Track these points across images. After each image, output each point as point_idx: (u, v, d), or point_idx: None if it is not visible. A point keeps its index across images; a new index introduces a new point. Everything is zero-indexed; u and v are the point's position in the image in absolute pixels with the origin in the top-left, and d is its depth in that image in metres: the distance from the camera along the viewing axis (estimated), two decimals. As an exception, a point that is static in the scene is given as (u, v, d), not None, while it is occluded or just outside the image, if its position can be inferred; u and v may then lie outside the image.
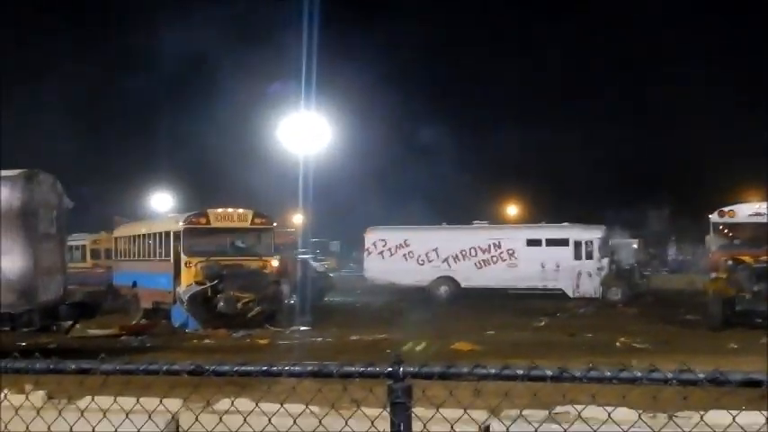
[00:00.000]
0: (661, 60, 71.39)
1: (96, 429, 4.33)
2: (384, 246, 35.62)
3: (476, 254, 34.27)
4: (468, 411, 4.23)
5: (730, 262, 20.93)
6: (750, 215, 22.57)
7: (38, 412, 4.60)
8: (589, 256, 32.89)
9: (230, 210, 24.49)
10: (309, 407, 4.41)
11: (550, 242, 33.76)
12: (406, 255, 35.04)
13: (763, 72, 54.95)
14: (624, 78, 73.86)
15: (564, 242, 33.55)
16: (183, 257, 23.16)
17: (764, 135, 49.87)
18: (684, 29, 68.41)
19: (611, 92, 71.90)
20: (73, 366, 3.82)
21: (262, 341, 19.47)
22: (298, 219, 47.41)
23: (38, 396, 4.85)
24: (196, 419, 4.34)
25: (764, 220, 22.13)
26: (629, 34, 70.25)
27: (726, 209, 22.72)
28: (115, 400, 4.44)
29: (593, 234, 33.69)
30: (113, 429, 4.31)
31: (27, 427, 4.52)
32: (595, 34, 72.95)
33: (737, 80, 61.09)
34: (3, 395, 4.90)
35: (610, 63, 72.15)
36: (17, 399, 4.82)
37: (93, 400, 4.61)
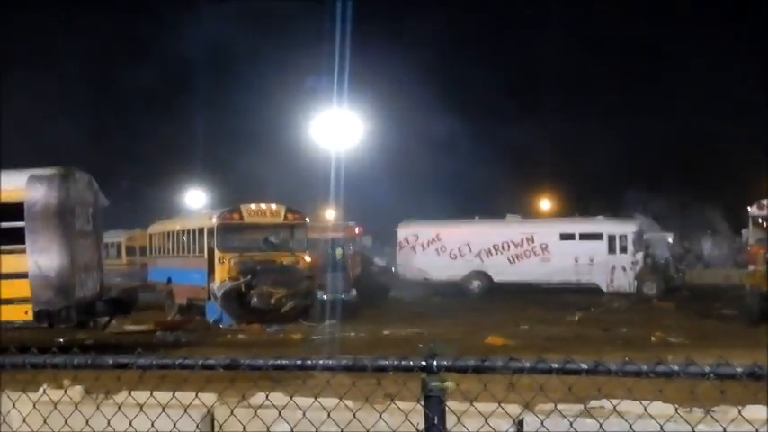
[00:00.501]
0: (696, 48, 70.80)
1: (133, 423, 4.38)
2: (416, 240, 35.61)
3: (508, 248, 34.18)
4: (502, 405, 4.23)
5: (768, 255, 20.77)
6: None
7: (76, 407, 4.65)
8: (623, 250, 32.70)
9: (263, 206, 24.48)
10: (343, 401, 4.43)
11: (584, 236, 33.57)
12: (438, 249, 35.01)
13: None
14: (659, 69, 73.20)
15: (598, 236, 33.36)
16: (217, 253, 23.26)
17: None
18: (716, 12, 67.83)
19: (647, 83, 71.31)
20: (110, 361, 3.85)
21: (295, 336, 19.55)
22: (330, 214, 47.53)
23: (76, 391, 4.90)
24: (231, 413, 4.36)
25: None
26: (661, 21, 69.76)
27: (765, 201, 22.57)
28: (151, 394, 4.47)
29: (627, 228, 33.49)
30: (150, 423, 4.35)
31: (66, 422, 4.57)
32: (626, 22, 72.47)
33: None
34: (42, 390, 4.97)
35: (643, 52, 71.44)
36: (56, 394, 4.88)
37: (129, 394, 4.65)
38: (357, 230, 34.78)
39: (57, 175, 15.91)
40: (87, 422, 4.46)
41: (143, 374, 4.20)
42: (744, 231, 23.17)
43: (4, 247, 15.51)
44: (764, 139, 52.79)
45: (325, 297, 28.35)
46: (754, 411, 4.28)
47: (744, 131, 56.42)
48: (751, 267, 21.34)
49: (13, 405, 4.79)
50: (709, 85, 63.61)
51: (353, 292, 29.24)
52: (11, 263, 15.46)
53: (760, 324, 19.55)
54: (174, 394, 4.44)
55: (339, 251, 31.67)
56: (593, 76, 71.25)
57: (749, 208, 22.49)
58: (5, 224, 15.52)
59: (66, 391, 4.89)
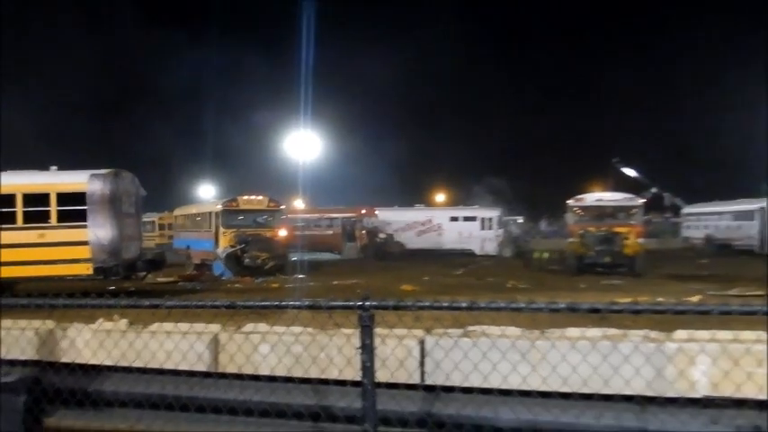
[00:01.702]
0: (555, 57, 70.94)
1: (163, 346, 4.30)
2: None
3: (416, 226, 34.40)
4: (410, 330, 4.26)
5: (581, 231, 21.21)
6: (594, 200, 22.89)
7: (123, 334, 4.55)
8: (490, 228, 33.26)
9: (253, 197, 24.44)
10: (307, 328, 4.40)
11: (466, 218, 34.11)
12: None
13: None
14: (525, 80, 72.67)
15: (474, 219, 33.87)
16: (221, 229, 23.19)
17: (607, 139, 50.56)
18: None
19: (515, 95, 71.51)
20: (147, 303, 3.78)
21: (274, 285, 19.37)
22: (298, 203, 47.09)
23: (122, 323, 4.79)
24: (230, 338, 4.32)
25: (602, 204, 22.50)
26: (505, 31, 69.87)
27: (578, 196, 23.02)
28: (176, 325, 4.40)
29: (493, 213, 34.07)
30: (174, 345, 4.28)
31: (115, 344, 4.47)
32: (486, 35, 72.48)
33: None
34: (99, 323, 4.84)
35: (519, 56, 71.35)
36: (108, 325, 4.76)
37: (160, 325, 4.57)
38: (363, 212, 33.87)
39: (109, 174, 16.05)
40: (131, 345, 4.37)
41: (170, 312, 4.13)
42: (566, 216, 23.60)
43: (72, 223, 15.58)
44: (591, 146, 53.98)
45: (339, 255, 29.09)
46: (573, 332, 4.39)
47: (576, 137, 57.65)
48: (570, 239, 21.76)
49: (79, 333, 4.67)
50: (555, 97, 64.57)
51: (358, 255, 30.41)
52: (77, 234, 15.51)
53: (576, 275, 20.07)
54: (191, 325, 4.37)
55: (350, 227, 32.44)
56: (477, 94, 71.20)
57: (568, 201, 22.93)
58: (74, 207, 15.59)
59: (115, 324, 4.77)
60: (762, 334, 3.95)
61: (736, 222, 30.14)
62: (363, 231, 31.86)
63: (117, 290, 16.86)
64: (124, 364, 4.42)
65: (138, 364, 4.37)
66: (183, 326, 4.35)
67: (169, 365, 4.26)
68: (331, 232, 33.98)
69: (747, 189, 34.40)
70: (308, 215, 36.16)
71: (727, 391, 3.52)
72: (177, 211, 31.11)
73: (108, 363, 4.47)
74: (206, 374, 4.26)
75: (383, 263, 27.80)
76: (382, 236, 32.63)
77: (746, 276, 18.36)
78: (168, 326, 4.46)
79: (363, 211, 34.06)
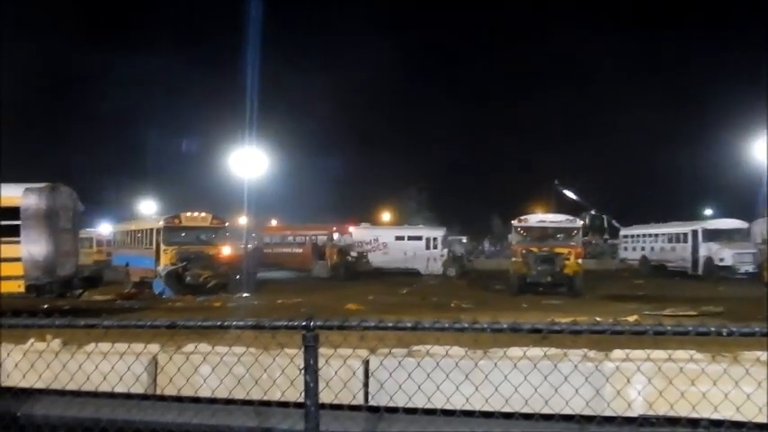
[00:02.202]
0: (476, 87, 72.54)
1: (98, 367, 4.15)
2: None
3: (362, 245, 34.35)
4: (355, 350, 4.24)
5: (523, 251, 21.53)
6: (536, 221, 23.38)
7: (56, 355, 4.37)
8: (435, 247, 33.50)
9: (196, 213, 23.97)
10: (249, 349, 4.33)
11: (411, 238, 34.24)
12: None
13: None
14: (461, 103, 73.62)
15: (419, 238, 34.06)
16: (162, 246, 22.64)
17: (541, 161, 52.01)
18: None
19: (452, 118, 72.53)
20: (82, 323, 3.64)
21: (216, 304, 18.97)
22: (243, 220, 46.43)
23: (55, 344, 4.60)
24: (170, 359, 4.20)
25: (544, 225, 23.01)
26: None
27: (522, 217, 23.44)
28: (113, 345, 4.26)
29: (437, 233, 34.36)
30: (110, 366, 4.14)
31: (48, 366, 4.29)
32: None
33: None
34: (30, 343, 4.64)
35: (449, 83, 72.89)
36: (40, 346, 4.57)
37: (96, 345, 4.41)
38: (334, 229, 33.26)
39: (46, 188, 15.45)
40: (64, 366, 4.20)
41: (107, 332, 4.00)
42: (509, 236, 24.00)
43: (4, 239, 14.86)
44: (533, 168, 55.27)
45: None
46: (515, 351, 4.46)
47: (518, 159, 58.94)
48: (513, 259, 22.10)
49: (8, 354, 4.46)
50: (498, 119, 65.94)
51: (329, 274, 29.41)
52: (9, 250, 14.81)
53: (518, 295, 20.36)
54: (129, 346, 4.24)
55: (321, 244, 31.56)
56: (422, 114, 71.89)
57: (512, 221, 23.34)
58: (6, 222, 14.89)
59: (48, 344, 4.59)
60: (694, 353, 4.11)
61: (671, 244, 31.31)
62: (334, 249, 31.13)
63: (51, 308, 16.19)
64: (57, 386, 4.25)
65: (71, 386, 4.20)
66: (121, 346, 4.22)
67: (105, 388, 4.11)
68: (300, 250, 33.49)
69: (681, 212, 35.98)
70: (278, 232, 35.75)
71: (662, 409, 3.64)
72: (117, 228, 30.26)
73: (39, 386, 4.29)
74: (143, 396, 4.14)
75: (334, 282, 27.55)
76: (353, 254, 32.01)
77: (679, 297, 19.08)
78: (105, 346, 4.32)
79: (334, 229, 33.53)
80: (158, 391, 4.15)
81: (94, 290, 19.13)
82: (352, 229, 35.55)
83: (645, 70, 72.53)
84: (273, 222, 40.25)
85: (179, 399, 4.08)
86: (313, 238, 33.47)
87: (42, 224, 15.08)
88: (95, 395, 4.16)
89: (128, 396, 4.11)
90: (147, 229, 24.61)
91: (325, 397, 3.65)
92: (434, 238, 33.74)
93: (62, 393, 4.25)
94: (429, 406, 3.84)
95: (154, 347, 4.35)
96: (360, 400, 4.22)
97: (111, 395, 4.11)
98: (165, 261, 22.28)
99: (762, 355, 4.15)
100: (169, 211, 27.10)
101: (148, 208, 48.63)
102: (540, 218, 24.07)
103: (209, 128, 50.93)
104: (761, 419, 3.64)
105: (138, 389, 4.14)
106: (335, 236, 32.90)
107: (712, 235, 28.17)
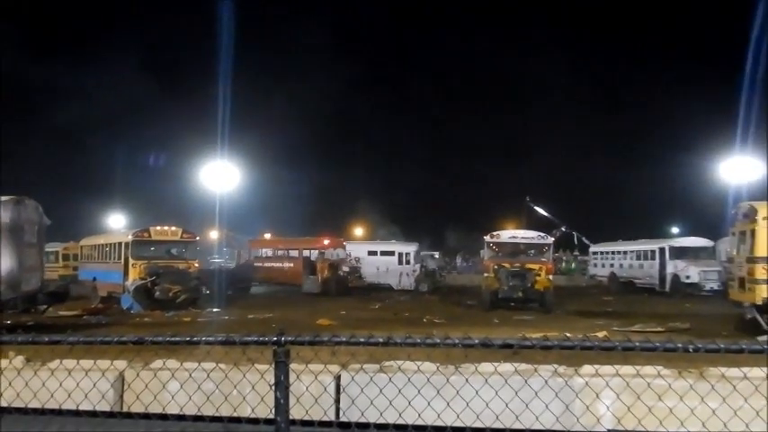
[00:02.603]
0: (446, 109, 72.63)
1: (63, 385, 4.05)
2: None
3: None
4: (326, 366, 4.22)
5: (495, 266, 21.66)
6: (508, 237, 23.58)
7: (18, 372, 4.26)
8: (407, 263, 33.46)
9: (166, 227, 23.59)
10: (219, 365, 4.27)
11: (383, 253, 34.12)
12: None
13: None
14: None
15: (392, 253, 34.00)
16: (131, 260, 22.22)
17: (512, 184, 52.65)
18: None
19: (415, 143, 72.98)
20: (46, 339, 3.56)
21: (186, 319, 18.72)
22: (214, 234, 46.00)
23: (18, 361, 4.49)
24: (137, 375, 4.12)
25: (516, 241, 23.21)
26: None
27: (494, 233, 23.60)
28: (78, 362, 4.17)
29: (410, 248, 34.35)
30: (75, 383, 4.04)
31: (10, 383, 4.18)
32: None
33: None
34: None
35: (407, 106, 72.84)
36: (3, 363, 4.45)
37: (61, 362, 4.31)
38: (326, 243, 32.14)
39: (11, 201, 15.04)
40: (27, 384, 4.09)
41: (72, 348, 3.91)
42: (482, 251, 24.13)
43: None
44: (505, 184, 55.78)
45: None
46: (486, 367, 4.48)
47: (491, 175, 59.43)
48: (485, 274, 22.21)
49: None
50: (471, 137, 66.45)
51: (320, 289, 28.44)
52: None
53: (490, 310, 20.46)
54: (95, 362, 4.16)
55: (311, 259, 30.47)
56: (394, 129, 72.02)
57: (484, 237, 23.48)
58: None
59: (10, 361, 4.47)
60: (662, 369, 4.17)
61: (639, 261, 31.79)
62: (325, 264, 30.08)
63: (14, 324, 15.78)
64: (19, 404, 4.14)
65: (34, 404, 4.10)
66: (86, 363, 4.14)
67: (69, 405, 4.02)
68: (291, 265, 32.36)
69: (650, 230, 36.60)
70: (269, 246, 34.93)
71: (630, 424, 3.67)
72: (84, 242, 29.69)
73: (1, 404, 4.17)
74: (109, 414, 4.05)
75: (311, 297, 27.26)
76: (345, 269, 31.11)
77: (647, 313, 19.36)
78: (70, 363, 4.22)
79: (326, 242, 32.54)
80: (125, 409, 4.07)
81: (60, 305, 18.75)
82: (346, 243, 34.78)
83: (615, 89, 73.80)
84: (267, 236, 39.37)
85: (146, 416, 4.00)
86: (305, 252, 32.28)
87: (6, 238, 14.71)
88: (60, 413, 4.05)
89: (93, 414, 4.02)
90: (115, 243, 24.18)
91: (296, 413, 3.61)
92: (407, 254, 33.72)
93: (25, 412, 4.14)
94: (400, 422, 3.82)
95: (121, 364, 4.27)
96: (331, 417, 4.19)
97: (77, 413, 4.01)
98: (134, 275, 21.90)
99: (726, 371, 4.23)
100: (139, 226, 26.74)
101: (117, 222, 47.87)
102: (511, 234, 24.29)
103: (179, 142, 50.30)
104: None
105: (105, 406, 4.05)
106: (328, 251, 31.84)
107: (679, 253, 28.69)
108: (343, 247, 33.41)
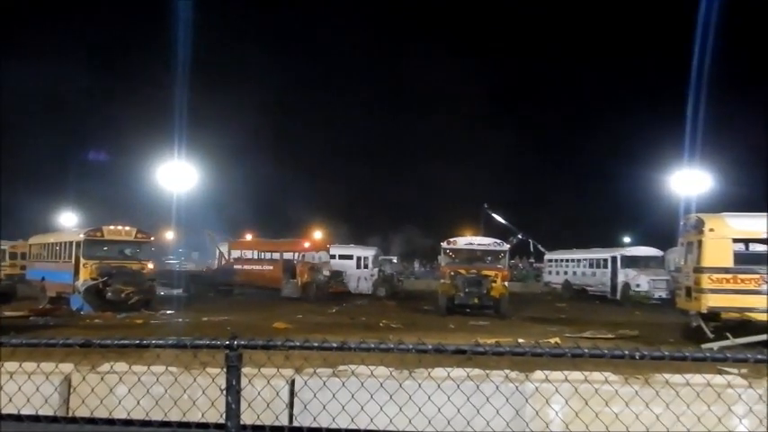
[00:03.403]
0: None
1: (4, 389, 3.91)
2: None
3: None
4: (280, 370, 4.18)
5: (452, 272, 21.81)
6: (465, 244, 23.80)
7: (-42, 374, 4.09)
8: (366, 267, 33.47)
9: (120, 227, 23.03)
10: (169, 368, 4.19)
11: (342, 257, 33.99)
12: None
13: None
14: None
15: (350, 257, 33.94)
16: (82, 260, 21.68)
17: (469, 190, 53.23)
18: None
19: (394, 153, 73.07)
20: (-12, 340, 3.43)
21: (138, 321, 18.32)
22: (170, 235, 45.20)
23: (-41, 362, 4.31)
24: (83, 379, 4.01)
25: (473, 247, 23.44)
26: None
27: (450, 239, 23.78)
28: (21, 365, 4.03)
29: (368, 252, 34.37)
30: (17, 386, 3.91)
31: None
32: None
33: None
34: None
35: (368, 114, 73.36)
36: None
37: (2, 365, 4.16)
38: (307, 245, 30.96)
39: None
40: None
41: (15, 350, 3.79)
42: (439, 257, 24.29)
43: None
44: (463, 191, 56.15)
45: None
46: (439, 372, 4.50)
47: (442, 188, 59.78)
48: (442, 280, 22.35)
49: None
50: (429, 145, 66.69)
51: (300, 294, 27.61)
52: None
53: (446, 316, 20.60)
54: (38, 365, 4.03)
55: (291, 263, 29.17)
56: (356, 133, 71.85)
57: (441, 243, 23.66)
58: None
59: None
60: (609, 375, 4.26)
61: (591, 269, 32.48)
62: (305, 267, 28.89)
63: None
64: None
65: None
66: (29, 365, 4.00)
67: (10, 410, 3.88)
68: (271, 267, 30.99)
69: (602, 239, 37.42)
70: (250, 248, 33.81)
71: (578, 429, 3.74)
72: (33, 240, 28.79)
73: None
74: (53, 419, 3.93)
75: (273, 300, 26.86)
76: (326, 273, 30.09)
77: (598, 320, 19.79)
78: (12, 365, 4.08)
79: (307, 245, 31.34)
80: (70, 413, 3.95)
81: (6, 305, 18.16)
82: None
83: (571, 102, 75.38)
84: (248, 237, 38.34)
85: (92, 420, 3.89)
86: (285, 254, 30.77)
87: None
88: (0, 417, 3.91)
89: (36, 418, 3.89)
90: (65, 242, 23.52)
91: (248, 418, 3.56)
92: (365, 258, 33.71)
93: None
94: (353, 426, 3.81)
95: (67, 367, 4.15)
96: (284, 421, 4.15)
97: (18, 417, 3.88)
98: (85, 276, 21.37)
99: (670, 377, 4.35)
100: (92, 225, 26.08)
101: (69, 220, 46.58)
102: (468, 240, 24.52)
103: (135, 141, 49.14)
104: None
105: (48, 411, 3.92)
106: (309, 254, 30.63)
107: (629, 262, 29.44)
108: (327, 250, 32.53)
